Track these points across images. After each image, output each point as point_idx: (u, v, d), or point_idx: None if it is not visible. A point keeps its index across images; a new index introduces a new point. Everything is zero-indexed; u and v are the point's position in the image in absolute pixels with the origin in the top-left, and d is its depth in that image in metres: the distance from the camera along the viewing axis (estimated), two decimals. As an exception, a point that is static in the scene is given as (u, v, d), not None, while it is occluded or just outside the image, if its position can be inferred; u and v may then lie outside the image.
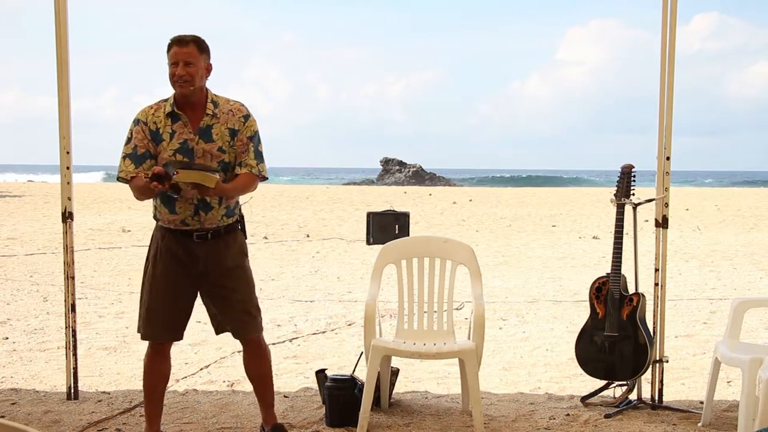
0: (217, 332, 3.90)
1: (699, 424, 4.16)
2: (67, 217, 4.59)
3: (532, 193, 32.53)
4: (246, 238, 3.83)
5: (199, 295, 3.80)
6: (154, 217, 3.73)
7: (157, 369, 3.81)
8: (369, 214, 14.05)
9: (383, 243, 4.70)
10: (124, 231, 15.38)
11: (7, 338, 6.41)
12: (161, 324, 3.73)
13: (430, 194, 29.89)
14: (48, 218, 17.77)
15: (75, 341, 4.62)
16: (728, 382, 5.02)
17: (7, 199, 24.91)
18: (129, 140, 3.65)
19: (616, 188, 4.57)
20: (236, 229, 3.75)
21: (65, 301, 4.62)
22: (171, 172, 3.39)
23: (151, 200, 3.70)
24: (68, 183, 4.57)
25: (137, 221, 17.20)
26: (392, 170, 49.77)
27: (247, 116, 3.66)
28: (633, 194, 4.55)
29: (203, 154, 3.57)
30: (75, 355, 4.61)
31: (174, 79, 3.56)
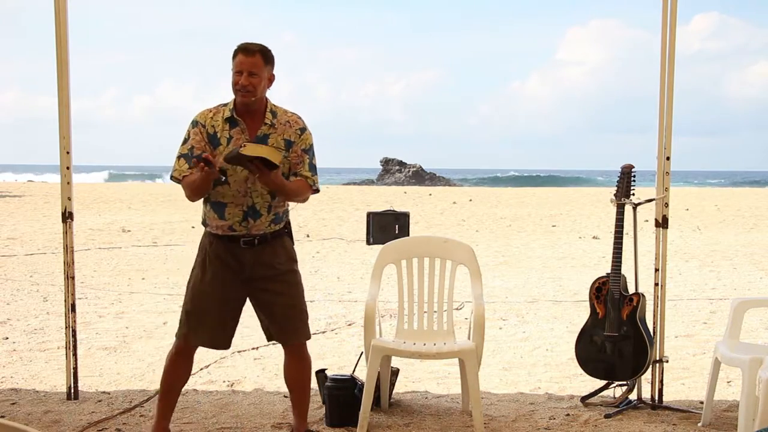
0: (268, 339, 3.89)
1: (699, 424, 4.16)
2: (67, 217, 4.59)
3: (532, 193, 32.53)
4: (293, 244, 3.83)
5: (248, 301, 3.80)
6: (203, 223, 3.76)
7: (177, 368, 3.79)
8: (369, 214, 14.08)
9: (383, 243, 4.70)
10: (124, 231, 15.37)
11: (7, 338, 6.41)
12: (205, 329, 3.71)
13: (430, 194, 29.89)
14: (48, 218, 17.77)
15: (75, 341, 4.62)
16: (728, 382, 5.02)
17: (7, 199, 24.92)
18: (185, 141, 3.67)
19: (616, 188, 4.57)
20: (283, 234, 3.75)
21: (65, 301, 4.62)
22: (235, 152, 3.42)
23: (202, 206, 3.73)
24: (68, 183, 4.57)
25: (137, 221, 17.20)
26: (392, 170, 49.76)
27: (303, 129, 3.70)
28: (633, 194, 4.55)
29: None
30: (75, 355, 4.61)
31: (237, 88, 3.57)
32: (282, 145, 3.63)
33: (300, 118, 3.74)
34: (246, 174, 3.57)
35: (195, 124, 3.66)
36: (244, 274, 3.68)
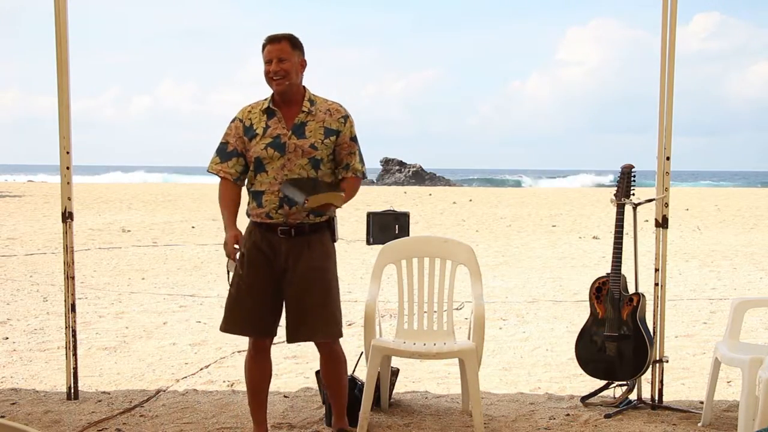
0: (288, 340, 3.77)
1: (699, 424, 4.16)
2: (67, 217, 4.59)
3: (532, 193, 32.52)
4: (335, 241, 3.77)
5: None
6: (247, 213, 3.76)
7: (254, 367, 3.79)
8: (369, 214, 14.05)
9: (383, 243, 4.70)
10: (124, 231, 15.37)
11: (7, 338, 6.41)
12: (244, 318, 3.70)
13: (430, 194, 29.89)
14: (48, 218, 17.77)
15: (75, 341, 4.62)
16: (728, 382, 5.02)
17: (7, 199, 24.92)
18: (223, 136, 3.76)
19: (616, 188, 4.57)
20: (323, 229, 3.70)
21: (65, 301, 4.62)
22: (298, 200, 3.49)
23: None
24: (68, 183, 4.57)
25: (137, 221, 17.20)
26: (392, 170, 49.74)
27: (346, 117, 3.71)
28: (633, 194, 4.55)
29: (294, 149, 3.60)
30: (75, 355, 4.61)
31: (269, 76, 3.62)
32: (321, 133, 3.64)
33: (341, 106, 3.74)
34: (283, 162, 3.60)
35: (234, 119, 3.75)
36: (279, 264, 3.66)
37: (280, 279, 3.68)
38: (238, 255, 3.62)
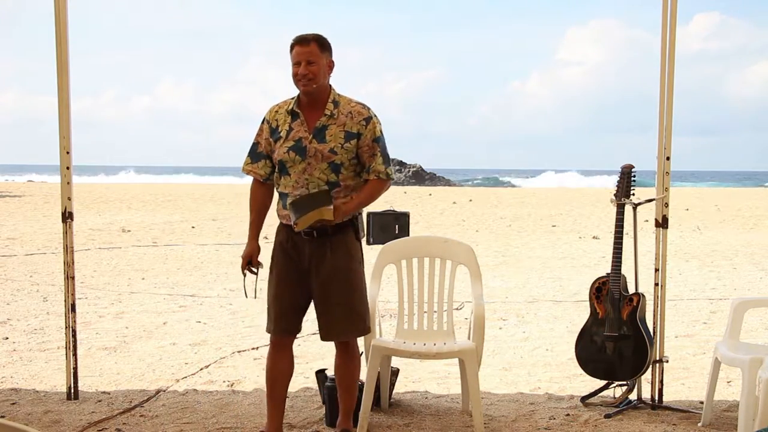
0: (322, 338, 3.83)
1: (699, 424, 4.16)
2: (67, 217, 4.59)
3: (532, 193, 32.54)
4: (359, 241, 3.77)
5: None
6: (277, 212, 3.79)
7: (272, 364, 3.80)
8: (369, 214, 14.07)
9: (383, 243, 4.70)
10: (124, 231, 15.37)
11: (7, 338, 6.41)
12: (274, 317, 3.76)
13: (430, 194, 29.89)
14: (48, 218, 17.77)
15: (75, 341, 4.62)
16: (728, 382, 5.02)
17: (7, 199, 24.92)
18: (255, 136, 3.81)
19: (616, 188, 4.57)
20: (347, 229, 3.70)
21: (65, 301, 4.62)
22: (293, 220, 3.59)
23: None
24: (68, 183, 4.57)
25: (137, 221, 17.20)
26: (392, 170, 49.70)
27: (368, 119, 3.66)
28: (633, 194, 4.55)
29: (315, 154, 3.60)
30: (75, 355, 4.61)
31: (297, 78, 3.62)
32: (341, 137, 3.62)
33: (365, 107, 3.70)
34: (304, 166, 3.62)
35: (263, 120, 3.78)
36: (303, 264, 3.68)
37: (305, 279, 3.70)
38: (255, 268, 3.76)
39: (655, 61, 4.40)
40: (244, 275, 3.83)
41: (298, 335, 3.94)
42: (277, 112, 3.74)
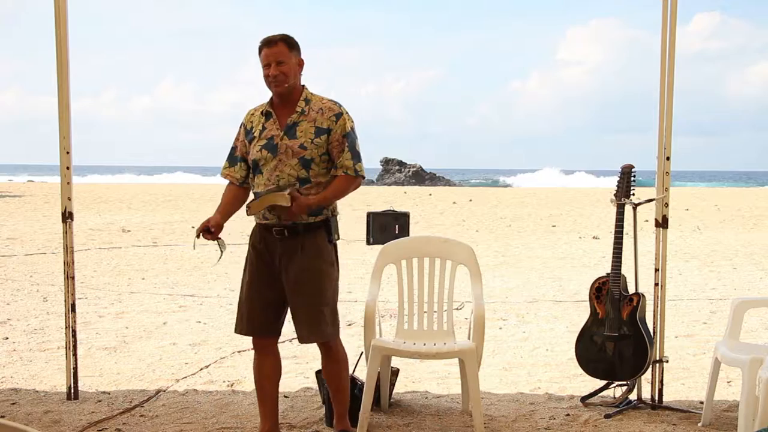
0: (299, 341, 3.78)
1: (699, 424, 4.16)
2: (67, 217, 4.59)
3: (532, 193, 32.54)
4: (332, 242, 3.71)
5: None
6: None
7: (256, 365, 3.81)
8: (369, 214, 14.06)
9: (383, 243, 4.70)
10: (124, 231, 15.37)
11: (7, 338, 6.41)
12: (245, 317, 3.75)
13: (430, 194, 29.89)
14: (48, 218, 17.77)
15: (75, 341, 4.62)
16: (728, 382, 5.02)
17: (7, 199, 24.92)
18: (233, 140, 3.83)
19: (616, 188, 4.57)
20: (319, 230, 3.66)
21: (65, 301, 4.62)
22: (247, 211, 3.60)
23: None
24: (68, 183, 4.57)
25: (137, 221, 17.20)
26: (392, 170, 49.76)
27: (339, 114, 3.65)
28: (633, 194, 4.55)
29: (285, 150, 3.61)
30: (75, 355, 4.61)
31: (268, 80, 3.62)
32: (312, 132, 3.62)
33: (336, 104, 3.70)
34: (275, 163, 3.62)
35: (240, 124, 3.82)
36: (275, 265, 3.67)
37: (278, 279, 3.69)
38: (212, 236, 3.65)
39: (655, 61, 4.40)
40: (198, 236, 3.68)
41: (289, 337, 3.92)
42: (253, 114, 3.77)
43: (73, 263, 4.61)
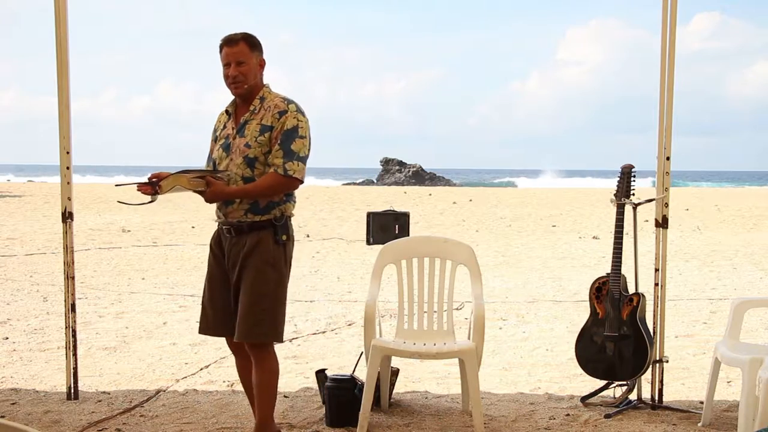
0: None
1: (699, 424, 4.16)
2: (67, 217, 4.59)
3: (532, 193, 32.55)
4: (279, 243, 3.58)
5: None
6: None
7: (240, 368, 3.85)
8: (369, 214, 14.07)
9: (383, 243, 4.70)
10: (124, 231, 15.37)
11: (7, 338, 6.41)
12: (207, 318, 3.75)
13: (430, 194, 29.89)
14: (48, 218, 17.77)
15: (75, 341, 4.62)
16: (728, 382, 5.02)
17: (7, 199, 24.91)
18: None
19: (616, 188, 4.57)
20: (265, 230, 3.55)
21: (65, 301, 4.62)
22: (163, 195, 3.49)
23: None
24: (68, 183, 4.57)
25: (137, 221, 17.19)
26: (392, 170, 49.77)
27: (283, 112, 3.52)
28: (633, 194, 4.55)
29: (236, 149, 3.58)
30: (75, 355, 4.61)
31: (228, 81, 3.56)
32: (257, 130, 3.53)
33: (285, 101, 3.56)
34: (227, 163, 3.58)
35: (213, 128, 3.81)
36: (226, 264, 3.65)
37: (230, 279, 3.65)
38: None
39: (655, 61, 4.40)
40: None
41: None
42: (222, 115, 3.75)
43: (73, 263, 4.61)
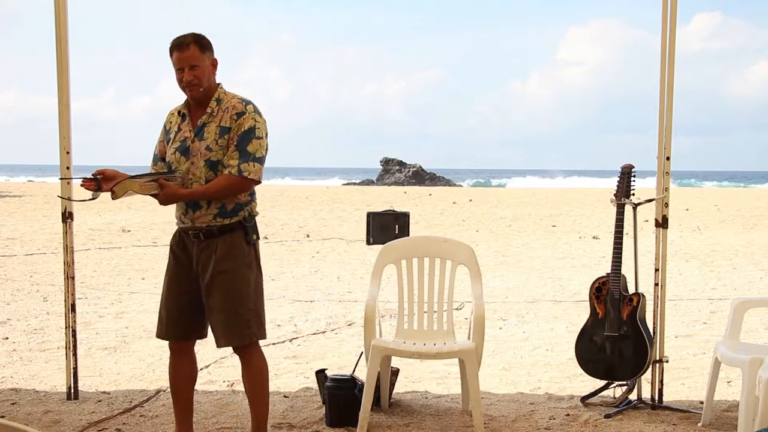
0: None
1: (699, 424, 4.16)
2: (67, 217, 4.59)
3: (532, 193, 32.55)
4: (251, 243, 3.58)
5: None
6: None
7: (175, 370, 3.79)
8: (369, 214, 14.04)
9: (383, 243, 4.70)
10: (124, 231, 15.37)
11: (7, 338, 6.41)
12: (164, 323, 3.73)
13: (430, 194, 29.89)
14: (48, 218, 17.77)
15: (75, 341, 4.62)
16: (728, 382, 5.02)
17: (7, 199, 24.91)
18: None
19: (616, 188, 4.57)
20: (235, 231, 3.54)
21: (65, 301, 4.62)
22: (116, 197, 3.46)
23: None
24: (68, 183, 4.57)
25: (137, 221, 17.19)
26: (392, 170, 49.76)
27: (241, 113, 3.49)
28: (633, 194, 4.55)
29: (196, 152, 3.53)
30: (75, 355, 4.61)
31: (183, 85, 3.53)
32: (217, 133, 3.50)
33: (243, 102, 3.54)
34: (188, 165, 3.53)
35: (163, 124, 3.74)
36: (192, 268, 3.61)
37: (196, 283, 3.62)
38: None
39: (655, 61, 4.40)
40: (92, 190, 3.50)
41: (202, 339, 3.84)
42: (173, 115, 3.69)
43: (73, 263, 4.61)
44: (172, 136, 3.63)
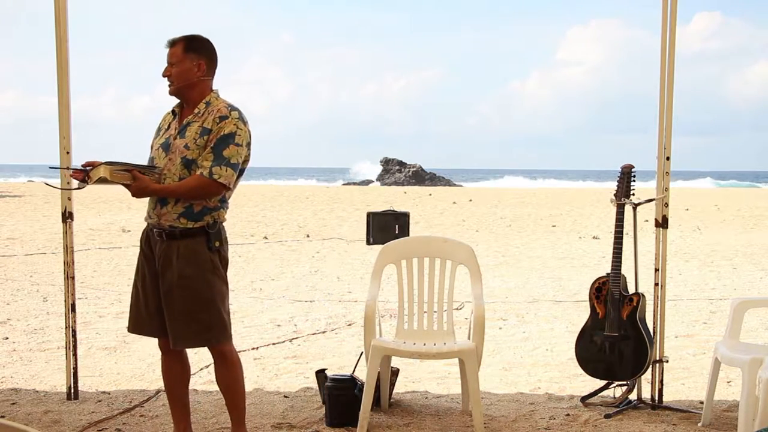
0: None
1: (699, 424, 4.16)
2: (67, 217, 4.59)
3: (532, 193, 32.55)
4: (213, 249, 3.54)
5: None
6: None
7: (166, 368, 3.78)
8: (369, 214, 14.07)
9: (383, 243, 4.70)
10: (124, 231, 15.37)
11: (7, 338, 6.41)
12: (134, 318, 3.75)
13: (430, 194, 29.89)
14: (48, 218, 17.77)
15: (75, 341, 4.62)
16: (728, 382, 5.02)
17: (7, 199, 24.92)
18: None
19: (616, 188, 4.57)
20: (197, 236, 3.51)
21: (65, 301, 4.62)
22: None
23: None
24: (68, 183, 4.57)
25: (137, 221, 17.19)
26: (392, 170, 49.77)
27: (223, 117, 3.49)
28: (633, 194, 4.55)
29: (175, 149, 3.53)
30: (75, 355, 4.61)
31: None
32: (197, 133, 3.51)
33: (228, 107, 3.54)
34: (165, 162, 3.54)
35: (158, 126, 3.77)
36: (156, 267, 3.60)
37: (159, 281, 3.61)
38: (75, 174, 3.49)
39: (655, 61, 4.40)
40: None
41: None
42: (168, 113, 3.73)
43: (73, 263, 4.61)
44: (162, 132, 3.67)
